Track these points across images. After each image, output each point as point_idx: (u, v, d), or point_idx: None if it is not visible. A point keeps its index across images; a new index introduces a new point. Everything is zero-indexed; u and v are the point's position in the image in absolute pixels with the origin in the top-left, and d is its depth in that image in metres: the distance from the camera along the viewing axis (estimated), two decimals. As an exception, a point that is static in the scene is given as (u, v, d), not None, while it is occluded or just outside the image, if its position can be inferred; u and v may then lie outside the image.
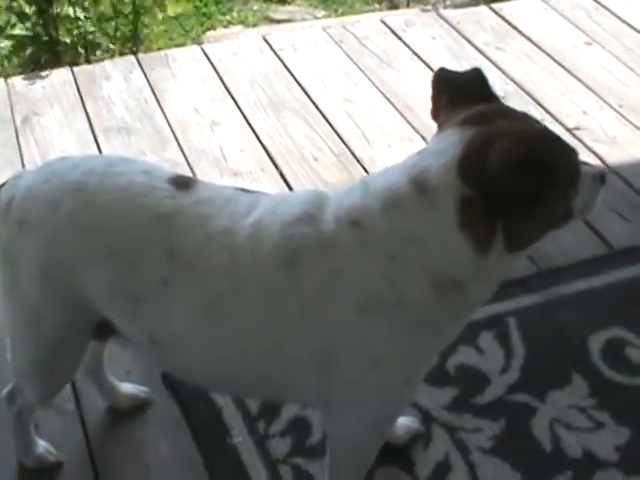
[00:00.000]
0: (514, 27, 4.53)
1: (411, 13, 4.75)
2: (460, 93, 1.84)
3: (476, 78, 1.87)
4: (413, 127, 3.78)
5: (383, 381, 1.87)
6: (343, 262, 1.78)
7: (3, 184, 2.06)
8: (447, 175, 1.71)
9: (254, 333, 1.86)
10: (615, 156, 3.57)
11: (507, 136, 1.68)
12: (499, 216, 1.70)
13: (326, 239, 1.79)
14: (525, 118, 1.81)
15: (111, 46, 4.75)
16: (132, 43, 4.80)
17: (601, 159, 3.56)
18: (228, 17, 5.75)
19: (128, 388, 2.57)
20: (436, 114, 1.89)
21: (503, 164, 1.64)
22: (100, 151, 3.65)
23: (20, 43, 4.67)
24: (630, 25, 4.54)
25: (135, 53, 4.50)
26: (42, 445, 2.41)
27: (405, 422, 2.45)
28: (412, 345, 1.84)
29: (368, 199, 1.80)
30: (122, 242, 1.89)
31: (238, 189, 2.01)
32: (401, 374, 1.88)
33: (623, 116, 3.85)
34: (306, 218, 1.83)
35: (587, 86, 4.06)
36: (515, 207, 1.68)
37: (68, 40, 4.65)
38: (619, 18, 4.60)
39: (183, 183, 1.95)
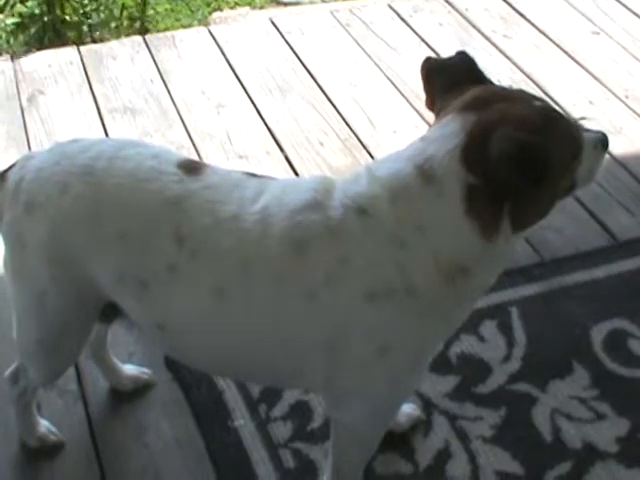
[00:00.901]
0: (522, 15, 4.52)
1: (419, -1, 4.74)
2: (451, 78, 1.85)
3: (464, 61, 1.88)
4: (419, 113, 3.78)
5: (390, 368, 1.87)
6: (351, 249, 1.79)
7: (12, 165, 2.06)
8: (451, 163, 1.72)
9: (261, 320, 1.86)
10: (621, 147, 3.57)
11: (508, 122, 1.69)
12: (504, 201, 1.71)
13: (334, 226, 1.80)
14: (523, 98, 1.81)
15: (117, 25, 4.73)
16: (139, 23, 4.78)
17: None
18: (235, -2, 5.73)
19: (130, 370, 2.58)
20: (431, 103, 1.90)
21: (504, 152, 1.65)
22: (105, 131, 3.65)
23: (23, 22, 4.65)
24: (638, 15, 4.52)
25: (141, 33, 4.49)
26: (44, 425, 2.42)
27: (406, 410, 2.46)
28: (420, 332, 1.84)
29: (374, 186, 1.80)
30: (130, 226, 1.89)
31: (246, 174, 2.01)
32: (408, 361, 1.89)
33: (629, 107, 3.85)
34: (314, 205, 1.83)
35: (594, 76, 4.05)
36: (520, 191, 1.69)
37: (74, 19, 4.63)
38: (627, 8, 4.58)
39: (192, 168, 1.95)
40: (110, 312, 2.09)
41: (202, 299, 1.87)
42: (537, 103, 1.80)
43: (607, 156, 3.41)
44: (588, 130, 1.90)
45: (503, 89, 1.85)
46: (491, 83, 1.88)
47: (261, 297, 1.85)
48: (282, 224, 1.82)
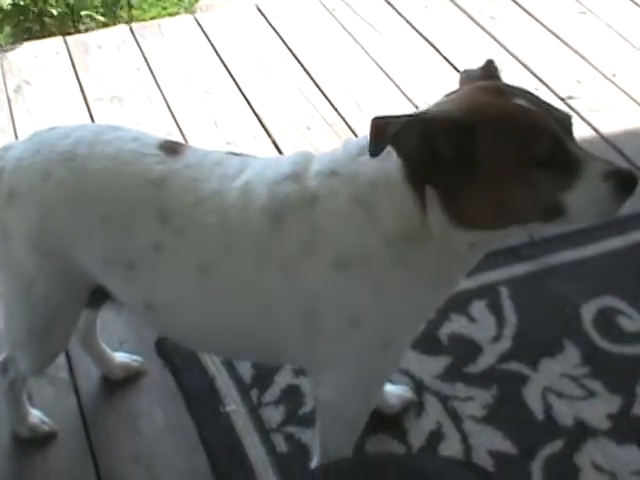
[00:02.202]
0: (508, -4, 4.51)
1: (405, -19, 4.72)
2: (470, 79, 1.84)
3: (485, 67, 1.87)
4: (406, 96, 3.77)
5: (362, 342, 1.88)
6: (322, 217, 1.80)
7: (-10, 157, 2.05)
8: None
9: (244, 292, 1.88)
10: (608, 125, 3.56)
11: (444, 106, 1.71)
12: (426, 182, 1.71)
13: (309, 195, 1.81)
14: (507, 93, 1.74)
15: (99, 17, 4.71)
16: (125, 12, 4.77)
17: (594, 128, 3.56)
18: (221, -15, 5.71)
19: (121, 357, 2.58)
20: None
21: (403, 131, 1.64)
22: (92, 120, 3.64)
23: (10, 13, 4.63)
24: (624, -6, 4.52)
25: (127, 22, 4.47)
26: (35, 415, 2.42)
27: (398, 391, 2.46)
28: (382, 306, 1.84)
29: (345, 152, 1.83)
30: (114, 209, 1.90)
31: (228, 153, 2.03)
32: (379, 336, 1.89)
33: (617, 85, 3.84)
34: (293, 176, 1.85)
35: (581, 55, 4.04)
36: (437, 175, 1.67)
37: (60, 9, 4.61)
38: (613, -14, 4.57)
39: (173, 148, 1.97)
40: (98, 297, 2.09)
41: (187, 275, 1.89)
42: (518, 101, 1.71)
43: (595, 134, 3.48)
44: (611, 163, 1.72)
45: (498, 85, 1.79)
46: (500, 83, 1.83)
47: (243, 270, 1.86)
48: (262, 197, 1.83)
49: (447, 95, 1.81)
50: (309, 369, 2.07)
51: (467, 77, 1.86)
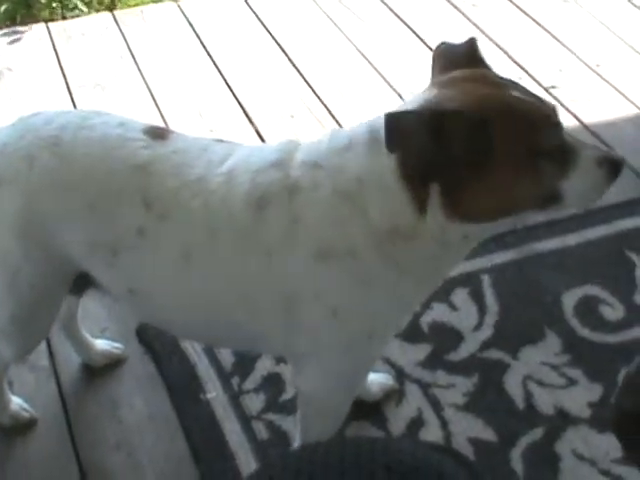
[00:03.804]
0: (491, -16, 4.50)
1: (389, -30, 4.71)
2: (451, 59, 1.83)
3: (467, 46, 1.86)
4: (389, 84, 3.77)
5: (342, 331, 1.88)
6: (303, 207, 1.80)
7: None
8: None
9: (226, 278, 1.88)
10: (591, 115, 3.57)
11: (449, 98, 1.68)
12: (430, 180, 1.69)
13: (291, 184, 1.81)
14: (501, 84, 1.76)
15: (85, 6, 4.69)
16: (109, 0, 4.74)
17: (576, 117, 3.56)
18: (205, -27, 5.69)
19: (102, 344, 2.57)
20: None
21: (419, 125, 1.63)
22: (75, 107, 3.62)
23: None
24: (608, -17, 4.52)
25: (111, 9, 4.45)
26: (16, 402, 2.41)
27: (379, 379, 2.46)
28: (366, 298, 1.84)
29: (331, 144, 1.82)
30: (99, 194, 1.89)
31: (214, 139, 2.02)
32: (360, 328, 1.89)
33: (599, 75, 3.84)
34: (277, 164, 1.84)
35: (564, 45, 4.04)
36: (442, 171, 1.66)
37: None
38: (597, -24, 4.57)
39: (159, 134, 1.96)
40: (81, 283, 2.08)
41: (170, 260, 1.88)
42: (514, 92, 1.73)
43: (578, 123, 3.48)
44: (599, 149, 1.82)
45: (490, 75, 1.80)
46: (488, 69, 1.84)
47: (225, 256, 1.86)
48: (245, 184, 1.83)
49: (435, 81, 1.79)
50: (290, 358, 2.08)
51: (447, 52, 1.85)
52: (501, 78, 1.79)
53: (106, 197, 1.89)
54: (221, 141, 2.01)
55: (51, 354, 2.59)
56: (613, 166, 1.77)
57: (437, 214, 1.71)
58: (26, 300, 2.07)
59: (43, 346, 2.55)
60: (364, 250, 1.78)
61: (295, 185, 1.81)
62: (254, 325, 1.94)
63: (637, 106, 3.66)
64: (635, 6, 4.35)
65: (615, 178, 1.78)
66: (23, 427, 2.40)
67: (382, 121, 1.68)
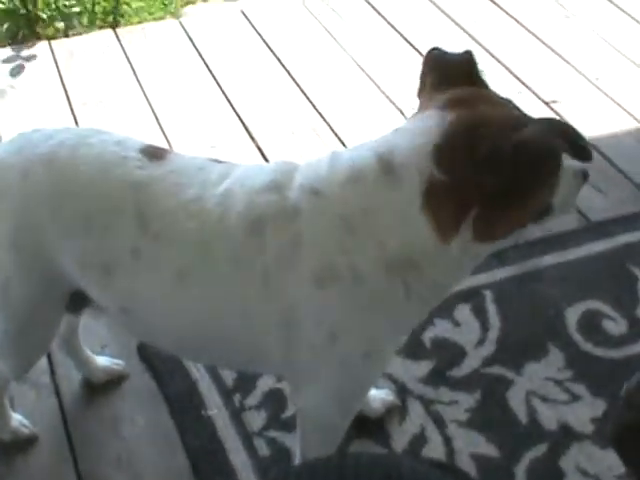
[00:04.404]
0: (491, 0, 4.51)
1: (388, -15, 4.72)
2: (447, 74, 1.82)
3: (466, 60, 1.85)
4: (389, 99, 3.77)
5: (341, 355, 1.87)
6: (303, 231, 1.78)
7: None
8: (418, 156, 1.70)
9: (221, 300, 1.87)
10: (591, 128, 3.56)
11: (491, 123, 1.67)
12: (472, 204, 1.68)
13: (288, 207, 1.80)
14: (507, 105, 1.80)
15: (89, 22, 4.69)
16: (111, 18, 4.75)
17: (578, 132, 3.56)
18: (208, -9, 5.70)
19: (103, 361, 2.56)
20: (420, 92, 1.88)
21: (496, 151, 1.63)
22: (77, 124, 3.62)
23: (-3, 18, 4.62)
24: (608, -2, 4.54)
25: (113, 27, 4.46)
26: (17, 419, 2.41)
27: (380, 395, 2.46)
28: (367, 321, 1.84)
29: (332, 170, 1.80)
30: (93, 211, 1.89)
31: (211, 159, 2.01)
32: (360, 349, 1.88)
33: (599, 89, 3.85)
34: (273, 186, 1.83)
35: (564, 59, 4.05)
36: (493, 196, 1.66)
37: (46, 15, 4.60)
38: (597, -10, 4.59)
39: (155, 153, 1.96)
40: (78, 301, 2.07)
41: (165, 280, 1.87)
42: (522, 114, 1.79)
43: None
44: (571, 159, 1.86)
45: (492, 94, 1.82)
46: (487, 87, 1.86)
47: (220, 277, 1.85)
48: (241, 205, 1.82)
49: (441, 98, 1.77)
50: (289, 377, 2.06)
51: (443, 64, 1.84)
52: (502, 98, 1.82)
53: (100, 215, 1.89)
54: (218, 161, 2.00)
55: (52, 371, 2.58)
56: (584, 175, 1.86)
57: (465, 237, 1.72)
58: (20, 315, 2.06)
59: (44, 363, 2.55)
60: (371, 277, 1.77)
61: (294, 209, 1.79)
62: (252, 346, 1.93)
63: (637, 119, 3.66)
64: (634, 19, 4.35)
65: (583, 185, 1.87)
66: (24, 443, 2.40)
67: (393, 144, 1.71)
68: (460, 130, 1.69)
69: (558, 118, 3.58)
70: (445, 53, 1.88)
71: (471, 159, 1.65)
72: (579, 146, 1.69)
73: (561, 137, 1.70)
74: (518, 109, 1.81)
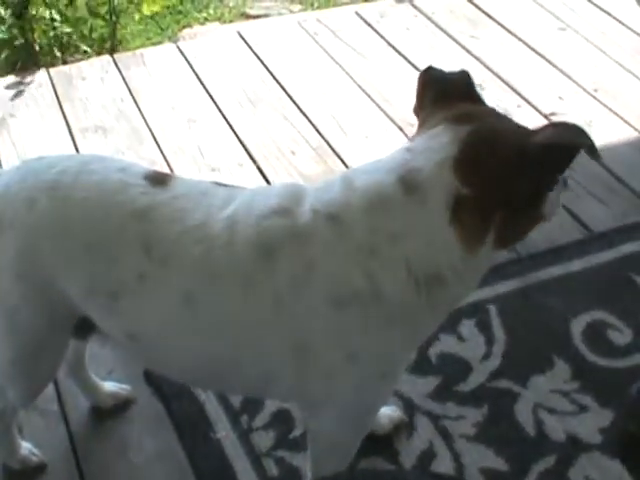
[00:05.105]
0: (488, 15, 4.52)
1: (385, 5, 4.74)
2: (445, 92, 1.84)
3: (462, 79, 1.88)
4: (389, 117, 3.78)
5: (359, 375, 1.87)
6: (318, 255, 1.78)
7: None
8: (441, 174, 1.72)
9: (230, 326, 1.86)
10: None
11: (508, 131, 1.74)
12: (497, 211, 1.71)
13: (301, 231, 1.80)
14: (509, 119, 1.84)
15: (87, 48, 4.72)
16: (109, 44, 4.78)
17: (577, 143, 3.57)
18: (204, 14, 5.72)
19: (110, 387, 2.57)
20: (419, 110, 1.90)
21: (522, 152, 1.68)
22: (77, 151, 3.63)
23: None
24: (602, 9, 4.55)
25: (112, 53, 4.48)
26: (26, 447, 2.41)
27: (387, 411, 2.45)
28: (388, 339, 1.84)
29: (350, 194, 1.80)
30: (98, 238, 1.89)
31: (215, 183, 2.01)
32: (377, 368, 1.88)
33: (598, 100, 3.87)
34: (281, 210, 1.83)
35: (562, 71, 4.07)
36: (517, 200, 1.71)
37: (44, 42, 4.62)
38: (592, 3, 4.60)
39: (159, 179, 1.96)
40: (84, 328, 2.07)
41: (172, 307, 1.87)
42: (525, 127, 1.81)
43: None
44: None
45: (491, 109, 1.86)
46: (484, 104, 1.89)
47: (229, 303, 1.84)
48: (249, 230, 1.82)
49: (443, 115, 1.80)
50: (301, 402, 2.05)
51: (440, 81, 1.87)
52: (502, 114, 1.86)
53: (105, 242, 1.89)
54: (222, 185, 2.01)
55: (60, 398, 2.58)
56: (565, 181, 1.90)
57: (489, 247, 1.76)
58: (26, 344, 2.06)
59: (52, 391, 2.55)
60: (394, 297, 1.78)
61: (306, 233, 1.79)
62: (262, 371, 1.92)
63: (636, 129, 3.68)
64: (629, 29, 4.37)
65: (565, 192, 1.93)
66: (33, 471, 2.39)
67: (413, 164, 1.74)
68: (477, 141, 1.72)
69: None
70: (442, 71, 1.90)
71: (495, 166, 1.69)
72: (590, 145, 1.71)
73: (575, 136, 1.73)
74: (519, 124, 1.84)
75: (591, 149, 1.70)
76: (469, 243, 1.74)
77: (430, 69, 1.90)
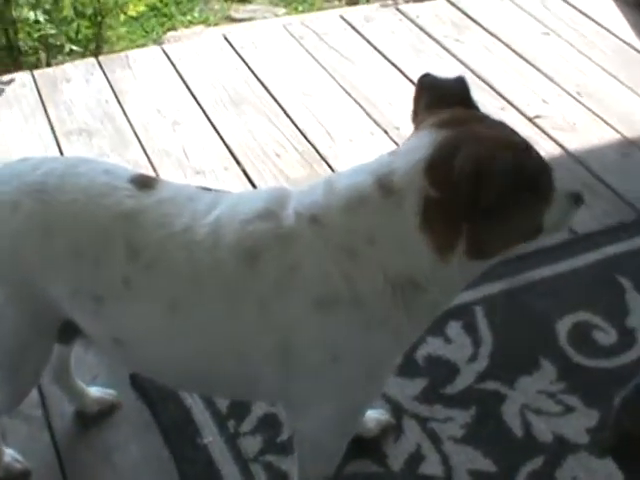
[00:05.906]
0: (472, 19, 4.53)
1: (371, 9, 4.75)
2: (440, 97, 1.84)
3: (458, 85, 1.88)
4: (374, 121, 3.78)
5: (342, 377, 1.87)
6: (301, 257, 1.79)
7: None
8: (414, 176, 1.72)
9: (215, 329, 1.86)
10: (575, 142, 3.60)
11: (480, 141, 1.70)
12: (463, 221, 1.70)
13: (285, 234, 1.80)
14: (501, 125, 1.83)
15: (73, 48, 4.70)
16: (94, 46, 4.77)
17: (561, 146, 3.59)
18: (189, 17, 5.73)
19: (95, 392, 2.55)
20: (415, 116, 1.89)
21: (472, 168, 1.64)
22: (62, 153, 3.62)
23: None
24: (584, 14, 4.56)
25: (96, 55, 4.47)
26: (9, 454, 2.38)
27: (374, 415, 2.45)
28: (369, 342, 1.84)
29: (330, 197, 1.81)
30: (83, 241, 1.88)
31: (200, 188, 2.01)
32: (361, 370, 1.88)
33: (581, 103, 3.88)
34: (265, 214, 1.83)
35: (546, 75, 4.08)
36: (481, 214, 1.68)
37: (28, 44, 4.60)
38: (575, 8, 4.61)
39: (145, 182, 1.95)
40: (69, 332, 2.06)
41: (156, 311, 1.86)
42: (514, 133, 1.81)
43: (562, 151, 3.50)
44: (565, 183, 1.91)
45: (485, 115, 1.85)
46: (478, 110, 1.88)
47: (213, 307, 1.84)
48: (233, 234, 1.82)
49: (435, 119, 1.79)
50: (287, 404, 2.05)
51: (436, 87, 1.87)
52: (496, 120, 1.85)
53: (90, 244, 1.88)
54: (208, 189, 2.01)
55: (44, 404, 2.56)
56: (578, 198, 1.90)
57: (460, 256, 1.73)
58: (9, 347, 2.04)
59: (36, 396, 2.53)
60: (372, 299, 1.79)
61: (290, 236, 1.80)
62: (247, 374, 1.92)
63: (619, 132, 3.69)
64: (612, 33, 4.39)
65: (579, 208, 1.92)
66: (17, 478, 2.36)
67: (391, 167, 1.74)
68: (448, 147, 1.71)
69: (541, 133, 3.62)
70: (438, 78, 1.90)
71: (458, 175, 1.66)
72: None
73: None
74: (512, 130, 1.82)
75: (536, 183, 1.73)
76: (439, 250, 1.73)
77: (426, 76, 1.91)
